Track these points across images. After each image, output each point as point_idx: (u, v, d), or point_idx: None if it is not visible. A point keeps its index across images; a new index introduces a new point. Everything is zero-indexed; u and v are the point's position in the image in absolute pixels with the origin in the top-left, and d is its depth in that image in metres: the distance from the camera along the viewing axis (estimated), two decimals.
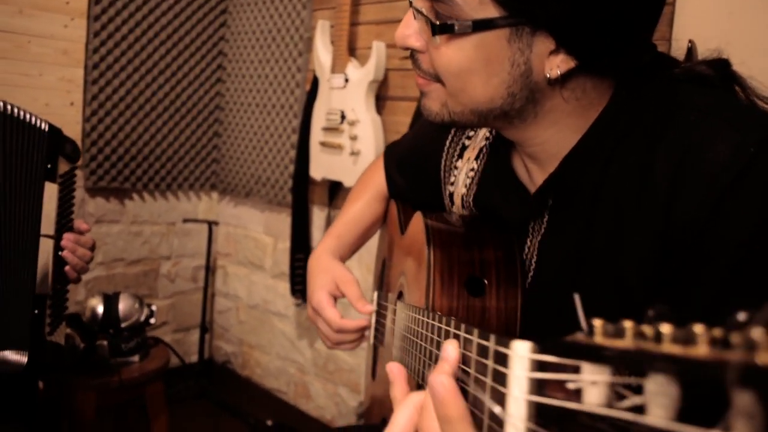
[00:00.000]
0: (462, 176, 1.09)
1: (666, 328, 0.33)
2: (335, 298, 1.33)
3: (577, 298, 0.45)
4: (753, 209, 0.68)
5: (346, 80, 2.57)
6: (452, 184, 1.12)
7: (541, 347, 0.46)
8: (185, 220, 3.40)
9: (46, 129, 1.53)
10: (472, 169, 1.07)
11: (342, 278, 1.32)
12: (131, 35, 3.00)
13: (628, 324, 0.36)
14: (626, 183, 0.80)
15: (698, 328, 0.31)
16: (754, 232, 0.68)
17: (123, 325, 2.38)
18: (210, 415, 3.19)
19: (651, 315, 0.35)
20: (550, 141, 0.86)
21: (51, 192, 1.54)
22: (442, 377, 0.58)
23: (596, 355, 0.39)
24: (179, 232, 3.42)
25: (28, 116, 1.51)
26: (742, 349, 0.27)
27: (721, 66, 0.83)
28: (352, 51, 2.66)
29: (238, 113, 3.31)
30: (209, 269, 3.43)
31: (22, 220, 1.49)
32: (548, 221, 0.91)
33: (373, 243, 1.55)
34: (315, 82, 2.75)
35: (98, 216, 3.06)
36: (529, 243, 0.94)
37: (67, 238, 1.56)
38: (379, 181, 1.40)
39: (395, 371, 0.71)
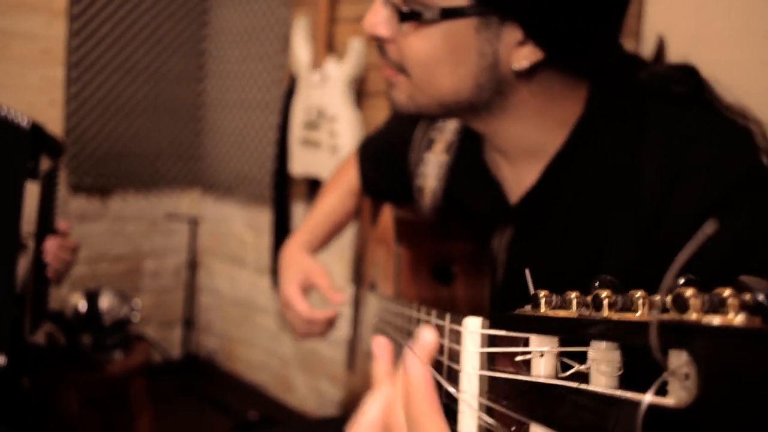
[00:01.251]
0: (431, 169, 1.09)
1: (606, 295, 0.33)
2: (307, 291, 1.34)
3: (527, 273, 0.47)
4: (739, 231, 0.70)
5: (325, 77, 2.59)
6: (421, 176, 1.12)
7: (492, 322, 0.47)
8: (168, 217, 3.41)
9: (28, 126, 1.48)
10: (442, 162, 1.08)
11: (313, 270, 1.33)
12: (112, 33, 3.00)
13: (572, 294, 0.37)
14: (606, 191, 0.81)
15: (637, 294, 0.31)
16: (736, 250, 0.68)
17: (105, 320, 2.38)
18: (194, 409, 3.20)
19: (596, 285, 0.35)
20: (517, 136, 0.87)
21: (33, 190, 1.50)
22: (415, 367, 0.53)
23: (542, 326, 0.39)
24: (162, 229, 3.42)
25: (6, 112, 1.46)
26: (675, 311, 0.28)
27: (689, 74, 0.83)
28: (330, 47, 2.68)
29: (219, 110, 3.32)
30: (192, 265, 3.44)
31: (1, 221, 1.45)
32: (518, 223, 0.92)
33: (351, 237, 1.57)
34: (292, 80, 2.77)
35: (81, 214, 3.07)
36: (498, 240, 0.95)
37: (51, 244, 1.53)
38: (352, 176, 1.40)
39: (381, 346, 0.63)
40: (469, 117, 0.88)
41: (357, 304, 1.39)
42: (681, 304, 0.27)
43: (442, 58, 0.79)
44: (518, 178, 0.92)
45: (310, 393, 3.03)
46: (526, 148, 0.88)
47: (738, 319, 0.25)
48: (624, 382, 0.33)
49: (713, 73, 0.83)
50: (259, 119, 3.08)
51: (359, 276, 1.46)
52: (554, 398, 0.36)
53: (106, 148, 3.05)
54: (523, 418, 0.39)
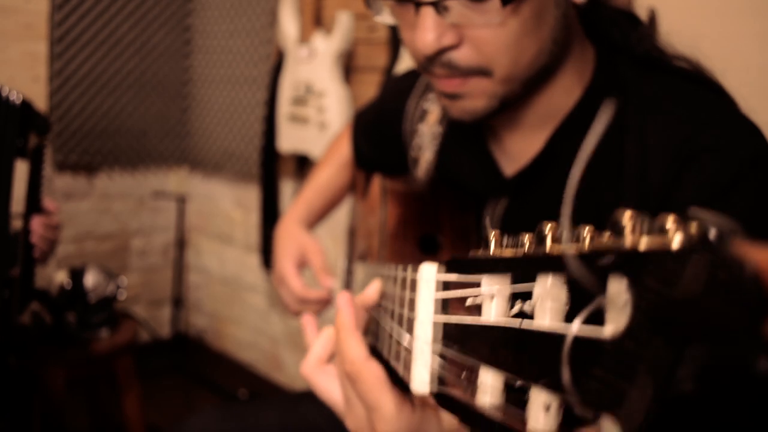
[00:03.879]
0: (426, 140, 1.08)
1: (549, 228, 0.32)
2: (302, 267, 1.34)
3: (487, 220, 0.46)
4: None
5: (313, 51, 2.56)
6: (415, 148, 1.11)
7: (446, 267, 0.46)
8: (155, 195, 3.38)
9: (18, 102, 1.45)
10: (436, 134, 1.06)
11: (308, 247, 1.32)
12: (96, 8, 2.96)
13: (526, 235, 0.36)
14: (608, 164, 0.80)
15: (583, 229, 0.30)
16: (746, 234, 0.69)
17: (91, 298, 2.36)
18: (183, 388, 3.20)
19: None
20: (547, 100, 0.86)
21: (21, 169, 1.47)
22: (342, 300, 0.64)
23: (491, 266, 0.38)
24: (149, 207, 3.40)
25: None
26: (613, 238, 0.26)
27: (632, 21, 0.86)
28: (318, 21, 2.65)
29: (206, 86, 3.29)
30: (180, 243, 3.42)
31: None
32: (512, 197, 0.91)
33: (344, 214, 1.56)
34: (280, 55, 2.74)
35: (66, 192, 3.04)
36: (490, 210, 0.94)
37: (36, 223, 1.51)
38: (345, 149, 1.39)
39: (306, 321, 0.79)
40: (534, 87, 0.84)
41: (348, 278, 1.38)
42: (617, 229, 0.26)
43: (530, 28, 0.75)
44: (526, 145, 0.90)
45: (299, 370, 3.02)
46: (546, 113, 0.86)
47: (675, 241, 0.23)
48: (570, 320, 0.31)
49: (704, 45, 0.83)
50: (246, 95, 3.06)
51: (352, 250, 1.45)
52: (500, 340, 0.34)
53: (91, 125, 3.02)
54: (473, 360, 0.37)
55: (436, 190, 1.04)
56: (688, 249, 0.22)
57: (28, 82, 2.79)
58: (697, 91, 0.80)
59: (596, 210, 0.81)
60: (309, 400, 1.22)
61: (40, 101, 2.83)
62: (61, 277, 2.37)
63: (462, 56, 0.76)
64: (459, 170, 1.01)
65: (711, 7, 1.46)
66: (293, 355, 3.06)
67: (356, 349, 0.57)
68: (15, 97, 1.44)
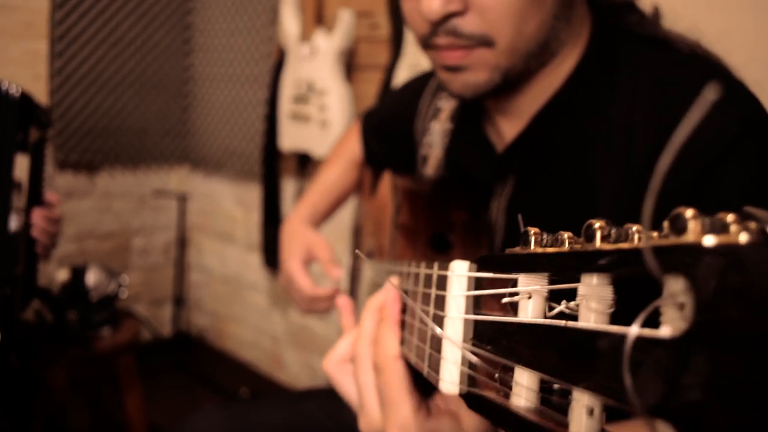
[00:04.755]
0: (437, 138, 1.08)
1: (599, 225, 0.31)
2: (308, 264, 1.33)
3: (519, 217, 0.45)
4: (735, 184, 0.69)
5: (314, 49, 2.55)
6: (426, 146, 1.11)
7: (480, 264, 0.45)
8: (156, 193, 3.37)
9: (18, 95, 1.42)
10: (447, 131, 1.06)
11: (314, 243, 1.32)
12: (96, 6, 2.94)
13: (566, 234, 0.35)
14: (598, 140, 0.80)
15: (633, 227, 0.29)
16: (744, 203, 0.68)
17: (92, 296, 2.36)
18: (185, 387, 3.19)
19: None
20: (544, 73, 0.85)
21: (22, 163, 1.45)
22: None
23: (530, 263, 0.37)
24: (150, 205, 3.39)
25: None
26: (672, 234, 0.25)
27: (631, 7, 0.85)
28: (319, 19, 2.64)
29: (207, 85, 3.27)
30: (182, 242, 3.41)
31: None
32: (515, 181, 0.91)
33: (348, 213, 1.55)
34: (281, 53, 2.73)
35: (68, 191, 3.03)
36: (496, 204, 0.94)
37: (38, 216, 1.49)
38: (353, 148, 1.39)
39: (342, 303, 0.80)
40: (535, 65, 0.84)
41: (354, 276, 1.37)
42: (678, 227, 0.25)
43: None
44: (514, 124, 0.91)
45: (301, 370, 3.02)
46: (538, 88, 0.86)
47: (742, 237, 0.22)
48: (616, 322, 0.30)
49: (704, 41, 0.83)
50: (247, 94, 3.04)
51: (358, 246, 1.45)
52: (540, 340, 0.34)
53: (92, 124, 3.01)
54: (508, 361, 0.36)
55: (446, 189, 1.04)
56: (757, 244, 0.22)
57: (29, 80, 2.77)
58: (694, 63, 0.79)
59: (585, 186, 0.81)
60: (312, 398, 1.22)
61: (41, 99, 2.80)
62: (63, 276, 2.36)
63: (467, 23, 0.76)
64: (464, 162, 1.01)
65: (712, 2, 1.46)
66: (294, 354, 3.05)
67: (391, 343, 0.58)
68: (14, 91, 1.41)
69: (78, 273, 2.37)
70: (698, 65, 0.79)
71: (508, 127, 0.92)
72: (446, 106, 1.08)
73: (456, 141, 1.04)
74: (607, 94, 0.80)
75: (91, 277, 2.38)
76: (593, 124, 0.81)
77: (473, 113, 0.98)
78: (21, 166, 1.45)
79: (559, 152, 0.85)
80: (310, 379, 2.96)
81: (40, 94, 2.82)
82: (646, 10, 0.90)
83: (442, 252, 0.98)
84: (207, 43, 3.25)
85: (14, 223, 1.44)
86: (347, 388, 0.69)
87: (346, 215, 1.77)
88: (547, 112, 0.85)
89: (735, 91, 0.75)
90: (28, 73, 2.77)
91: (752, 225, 0.23)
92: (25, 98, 1.45)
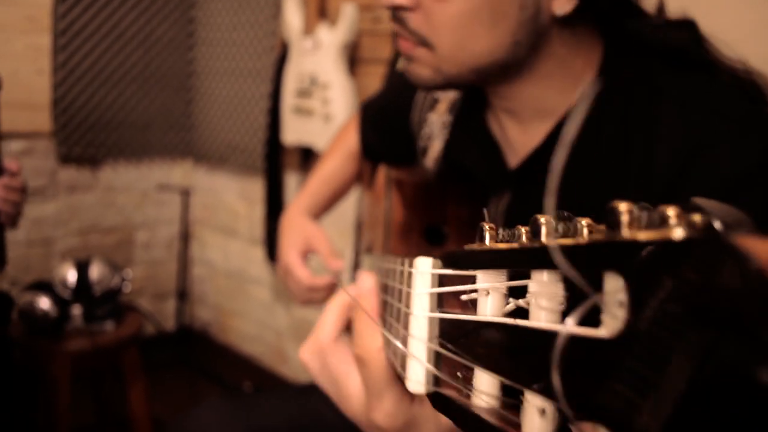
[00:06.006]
0: (435, 129, 1.07)
1: (544, 221, 0.30)
2: (306, 256, 1.32)
3: (485, 211, 0.44)
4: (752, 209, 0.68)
5: (317, 43, 2.54)
6: (424, 138, 1.10)
7: (442, 260, 0.44)
8: (159, 188, 3.38)
9: None
10: (446, 123, 1.05)
11: (313, 235, 1.31)
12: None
13: (523, 228, 0.33)
14: (611, 158, 0.78)
15: (581, 220, 0.28)
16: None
17: (96, 290, 2.36)
18: (189, 381, 3.20)
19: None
20: (535, 96, 0.84)
21: None
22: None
23: (485, 260, 0.36)
24: (153, 200, 3.39)
25: None
26: (608, 229, 0.24)
27: (689, 29, 0.80)
28: (323, 13, 2.63)
29: (210, 79, 3.27)
30: (185, 236, 3.41)
31: None
32: (518, 189, 0.90)
33: (350, 206, 1.55)
34: (284, 47, 2.72)
35: (70, 185, 3.04)
36: (495, 202, 0.93)
37: None
38: (352, 139, 1.38)
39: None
40: (495, 80, 0.83)
41: (356, 269, 1.36)
42: (613, 221, 0.24)
43: (481, 18, 0.75)
44: (527, 138, 0.89)
45: (299, 356, 3.02)
46: (541, 108, 0.85)
47: (677, 232, 0.21)
48: (563, 316, 0.29)
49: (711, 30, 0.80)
50: (250, 88, 3.04)
51: (359, 242, 1.44)
52: (493, 339, 0.33)
53: (95, 118, 3.01)
54: (466, 361, 0.36)
55: (443, 181, 1.03)
56: (690, 240, 0.20)
57: (32, 74, 2.77)
58: (723, 88, 0.77)
59: (599, 203, 0.79)
60: (315, 392, 1.21)
61: (44, 93, 2.82)
62: (66, 270, 2.36)
63: (412, 20, 0.78)
64: (466, 159, 0.99)
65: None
66: (298, 348, 3.03)
67: (373, 336, 0.58)
68: None
69: (81, 267, 2.38)
70: (732, 89, 0.76)
71: (518, 138, 0.90)
72: (444, 96, 1.06)
73: (455, 135, 1.02)
74: (624, 118, 0.78)
75: (95, 271, 2.39)
76: (607, 144, 0.79)
77: (474, 106, 0.96)
78: None
79: (569, 168, 0.83)
80: None
81: (44, 88, 2.82)
82: (651, 5, 0.88)
83: (436, 244, 0.98)
84: (210, 37, 3.25)
85: None
86: (323, 379, 0.69)
87: (349, 209, 1.76)
88: (559, 131, 0.83)
89: (760, 117, 0.73)
90: (30, 67, 2.77)
91: (696, 218, 0.22)
92: None
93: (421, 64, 0.81)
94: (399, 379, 0.57)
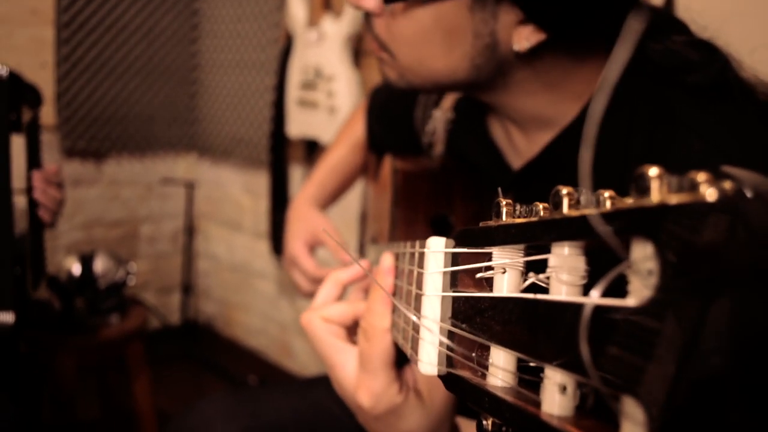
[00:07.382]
0: (440, 125, 1.06)
1: (567, 192, 0.29)
2: (313, 248, 1.32)
3: (499, 190, 0.43)
4: None
5: (322, 35, 2.53)
6: (428, 133, 1.09)
7: (456, 240, 0.43)
8: (164, 181, 3.37)
9: (5, 75, 1.38)
10: (450, 120, 1.04)
11: (321, 225, 1.30)
12: None
13: (540, 204, 0.33)
14: (613, 173, 0.76)
15: (603, 192, 0.27)
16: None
17: (100, 284, 2.36)
18: (193, 375, 3.19)
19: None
20: (526, 108, 0.81)
21: (18, 143, 1.43)
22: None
23: (503, 236, 0.35)
24: (158, 193, 3.39)
25: None
26: (636, 195, 0.23)
27: (710, 53, 0.72)
28: (327, 4, 2.61)
29: (214, 72, 3.26)
30: (189, 230, 3.41)
31: None
32: (519, 189, 0.88)
33: (355, 198, 1.54)
34: (289, 39, 2.71)
35: (75, 179, 3.03)
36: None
37: (38, 178, 1.47)
38: (359, 129, 1.37)
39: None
40: (471, 92, 0.83)
41: (361, 260, 1.35)
42: (642, 187, 0.22)
43: (434, 40, 0.73)
44: (530, 144, 0.87)
45: (309, 357, 3.02)
46: (537, 118, 0.82)
47: (709, 194, 0.20)
48: (585, 289, 0.28)
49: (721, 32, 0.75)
50: (255, 80, 3.03)
51: (364, 234, 1.44)
52: (512, 316, 0.32)
53: (99, 111, 3.00)
54: (482, 339, 0.35)
55: (449, 171, 1.02)
56: (725, 201, 0.20)
57: (35, 67, 2.77)
58: (732, 110, 0.71)
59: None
60: (320, 385, 1.20)
61: (48, 87, 2.82)
62: (71, 263, 2.36)
63: (376, 25, 0.78)
64: (470, 156, 0.99)
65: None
66: (303, 342, 3.04)
67: (382, 315, 0.59)
68: (2, 71, 1.37)
69: (86, 261, 2.37)
70: (744, 113, 0.70)
71: (519, 138, 0.88)
72: (448, 93, 1.06)
73: (460, 132, 1.01)
74: (627, 133, 0.74)
75: (100, 265, 2.38)
76: (610, 158, 0.76)
77: (474, 105, 0.95)
78: (17, 147, 1.42)
79: (571, 178, 0.81)
80: (319, 367, 2.95)
81: (47, 81, 2.81)
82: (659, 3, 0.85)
83: (443, 235, 0.97)
84: (214, 29, 3.24)
85: (17, 201, 1.42)
86: (320, 344, 0.69)
87: (354, 201, 1.75)
88: (564, 138, 0.81)
89: (761, 141, 0.68)
90: (34, 60, 2.76)
91: (727, 184, 0.21)
92: (14, 77, 1.41)
93: (387, 67, 0.82)
94: (396, 366, 0.58)
